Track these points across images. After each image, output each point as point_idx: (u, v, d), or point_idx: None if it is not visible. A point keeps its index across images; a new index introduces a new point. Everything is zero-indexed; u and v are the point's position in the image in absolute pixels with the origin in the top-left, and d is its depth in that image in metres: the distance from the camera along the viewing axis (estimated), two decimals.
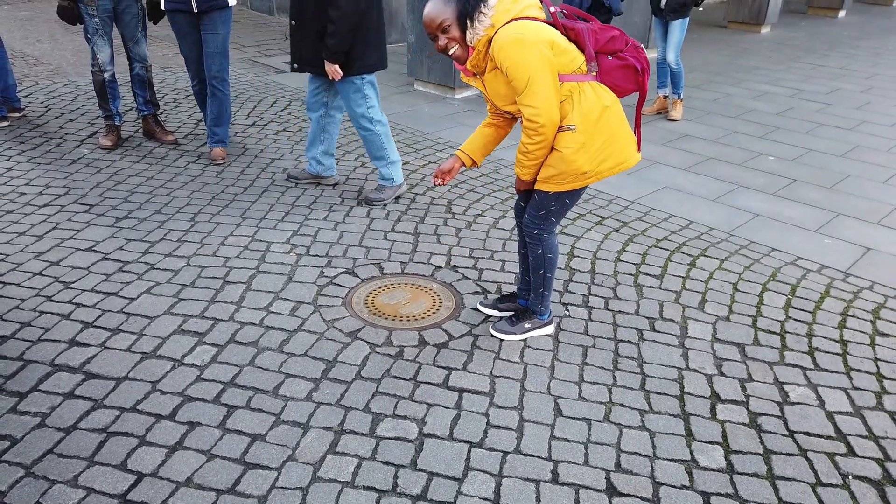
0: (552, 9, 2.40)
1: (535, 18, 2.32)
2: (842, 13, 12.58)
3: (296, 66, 3.85)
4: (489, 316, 2.97)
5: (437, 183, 2.71)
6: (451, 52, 2.38)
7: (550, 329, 2.85)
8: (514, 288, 3.16)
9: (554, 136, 2.38)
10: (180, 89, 6.12)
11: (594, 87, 2.38)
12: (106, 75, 4.56)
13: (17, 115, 5.18)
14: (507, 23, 2.27)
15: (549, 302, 2.83)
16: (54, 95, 5.76)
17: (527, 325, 2.81)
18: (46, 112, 5.35)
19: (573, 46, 2.37)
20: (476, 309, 3.01)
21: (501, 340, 2.80)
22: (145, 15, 4.56)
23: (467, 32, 2.32)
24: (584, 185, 2.51)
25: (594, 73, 2.39)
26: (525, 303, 2.91)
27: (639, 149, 2.56)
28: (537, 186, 2.54)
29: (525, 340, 2.80)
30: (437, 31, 2.35)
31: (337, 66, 3.65)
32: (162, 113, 5.34)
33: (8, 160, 4.42)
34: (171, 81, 6.37)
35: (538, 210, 2.59)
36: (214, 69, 4.41)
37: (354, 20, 3.56)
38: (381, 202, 4.00)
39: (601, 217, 3.94)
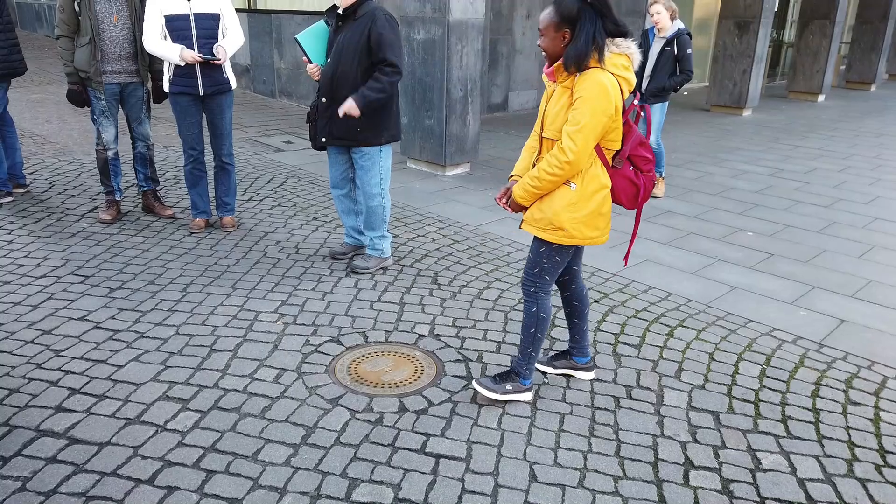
0: (635, 101, 2.63)
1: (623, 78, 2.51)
2: (821, 97, 13.13)
3: (323, 140, 4.00)
4: (545, 373, 3.10)
5: (501, 204, 2.81)
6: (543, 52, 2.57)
7: (528, 396, 2.91)
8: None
9: (564, 178, 2.55)
10: (181, 167, 6.35)
11: (604, 170, 2.60)
12: (109, 153, 4.78)
13: (21, 191, 5.37)
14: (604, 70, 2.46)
15: (534, 367, 2.91)
16: (59, 172, 5.98)
17: (509, 388, 2.88)
18: (50, 188, 5.55)
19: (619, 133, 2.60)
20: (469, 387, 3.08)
21: (477, 394, 2.86)
22: (150, 97, 4.83)
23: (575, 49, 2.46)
24: (564, 244, 2.66)
25: (614, 167, 2.62)
26: (581, 360, 3.05)
27: (628, 252, 2.91)
28: (523, 225, 2.73)
29: (504, 405, 2.86)
30: (553, 29, 2.49)
31: (354, 106, 3.76)
32: (161, 189, 5.55)
33: (9, 233, 4.57)
34: (173, 160, 6.62)
35: (532, 268, 2.76)
36: (226, 148, 4.69)
37: (396, 83, 3.87)
38: (367, 271, 4.15)
39: None
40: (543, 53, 2.58)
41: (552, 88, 2.64)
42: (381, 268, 4.21)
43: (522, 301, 2.86)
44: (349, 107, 3.76)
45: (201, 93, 4.40)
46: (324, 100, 3.92)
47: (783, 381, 3.15)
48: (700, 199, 6.08)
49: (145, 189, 5.02)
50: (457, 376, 3.08)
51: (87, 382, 2.92)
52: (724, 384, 3.11)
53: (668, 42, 5.67)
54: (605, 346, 3.39)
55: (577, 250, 2.85)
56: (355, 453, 2.54)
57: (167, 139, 7.41)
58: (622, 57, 2.50)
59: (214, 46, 4.30)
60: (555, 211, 2.60)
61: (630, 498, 2.38)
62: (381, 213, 4.14)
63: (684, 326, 3.64)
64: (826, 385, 3.13)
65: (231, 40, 4.42)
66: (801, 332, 3.63)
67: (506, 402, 2.88)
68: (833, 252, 4.86)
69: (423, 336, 3.44)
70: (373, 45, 3.76)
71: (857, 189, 6.61)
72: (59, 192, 5.45)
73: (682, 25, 5.71)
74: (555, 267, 2.76)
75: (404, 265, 4.31)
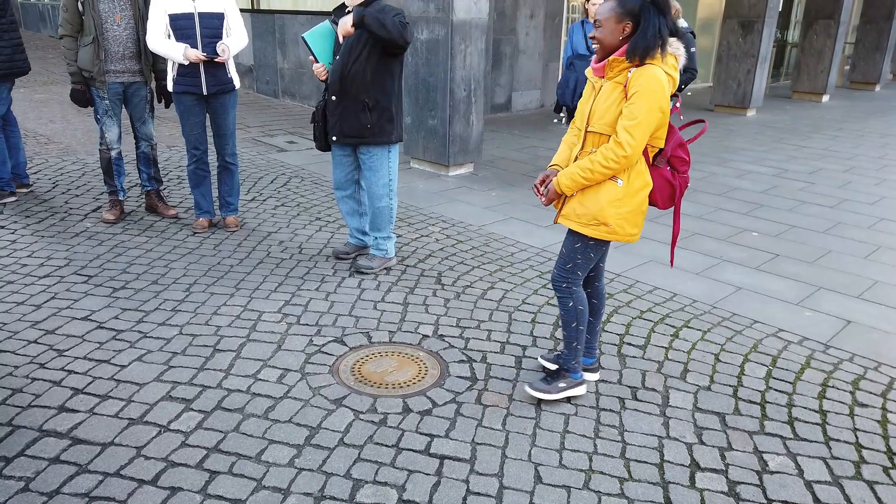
0: (678, 103, 2.62)
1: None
2: (826, 97, 13.09)
3: (333, 138, 3.98)
4: (548, 371, 3.07)
5: (538, 192, 2.79)
6: (595, 45, 2.56)
7: (583, 389, 2.93)
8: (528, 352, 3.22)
9: (616, 172, 2.56)
10: (184, 167, 6.34)
11: (647, 169, 2.63)
12: (113, 153, 4.78)
13: (24, 190, 5.37)
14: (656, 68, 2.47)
15: (581, 358, 2.93)
16: (62, 172, 5.98)
17: (562, 385, 2.89)
18: (53, 188, 5.55)
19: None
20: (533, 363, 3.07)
21: (540, 400, 2.87)
22: (153, 97, 4.82)
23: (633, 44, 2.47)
24: (606, 239, 2.68)
25: (655, 165, 2.63)
26: (586, 361, 3.03)
27: (673, 253, 3.01)
28: (561, 220, 2.73)
29: (507, 409, 2.84)
30: (615, 21, 2.48)
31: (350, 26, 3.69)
32: (165, 189, 5.54)
33: (13, 233, 4.57)
34: (177, 160, 6.62)
35: (565, 264, 2.78)
36: (229, 148, 4.68)
37: (398, 37, 3.67)
38: (371, 271, 4.13)
39: None
40: (595, 46, 2.57)
41: (599, 84, 2.62)
42: (385, 268, 4.20)
43: (556, 298, 2.87)
44: (345, 26, 3.69)
45: (205, 92, 4.39)
46: (333, 98, 3.90)
47: (789, 383, 3.13)
48: (704, 200, 6.06)
49: (149, 189, 5.02)
50: (461, 377, 3.07)
51: (91, 382, 2.91)
52: (730, 385, 3.09)
53: None
54: (609, 347, 3.37)
55: (606, 248, 2.86)
56: (359, 454, 2.53)
57: (170, 139, 7.41)
58: (671, 57, 2.52)
59: (217, 44, 4.29)
60: (600, 206, 2.60)
61: (636, 500, 2.36)
62: (387, 214, 4.13)
63: (689, 327, 3.62)
64: (833, 386, 3.11)
65: (235, 40, 4.41)
66: (807, 333, 3.60)
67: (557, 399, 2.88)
68: (838, 252, 4.83)
69: (427, 336, 3.42)
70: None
71: (863, 189, 6.58)
72: (62, 192, 5.44)
73: (685, 24, 5.69)
74: (588, 263, 2.78)
75: (408, 265, 4.30)
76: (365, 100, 3.84)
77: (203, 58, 4.24)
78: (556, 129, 9.05)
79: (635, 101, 2.45)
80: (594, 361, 3.08)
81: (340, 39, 3.85)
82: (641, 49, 2.44)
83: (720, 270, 4.43)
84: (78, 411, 2.71)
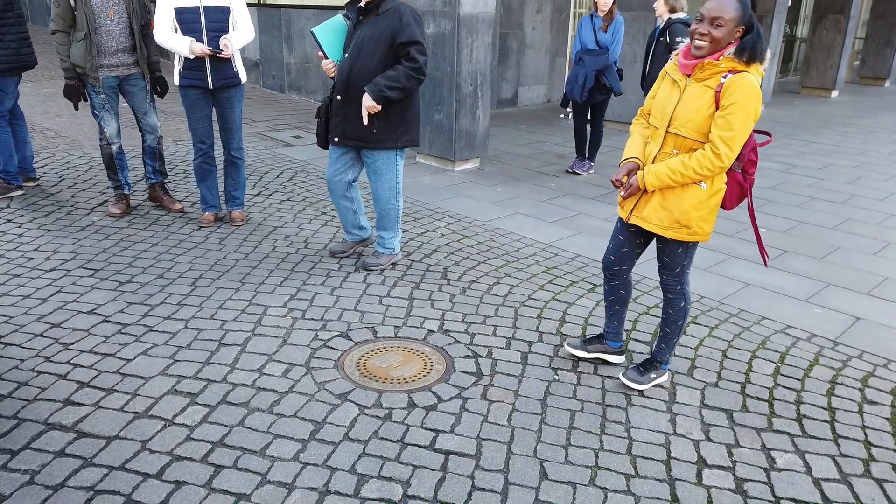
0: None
1: None
2: (835, 93, 12.98)
3: (336, 140, 3.87)
4: (578, 357, 3.17)
5: (619, 185, 2.77)
6: (702, 41, 2.48)
7: (667, 377, 3.05)
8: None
9: (707, 178, 2.58)
10: (190, 161, 6.34)
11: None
12: (114, 148, 4.75)
13: (31, 184, 5.38)
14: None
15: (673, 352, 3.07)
16: (69, 166, 5.99)
17: (653, 376, 2.98)
18: (60, 182, 5.55)
19: None
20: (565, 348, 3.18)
21: (631, 388, 2.95)
22: (152, 88, 4.79)
23: (734, 49, 2.47)
24: (685, 240, 2.72)
25: (732, 169, 2.64)
26: (615, 344, 3.13)
27: (762, 253, 2.89)
28: (637, 220, 2.75)
29: (513, 404, 2.83)
30: (717, 24, 2.44)
31: (373, 103, 3.64)
32: (170, 182, 5.54)
33: (19, 227, 4.58)
34: (183, 154, 6.62)
35: (674, 269, 2.84)
36: (235, 142, 4.65)
37: (416, 84, 3.68)
38: (379, 268, 4.10)
39: (594, 284, 4.01)
40: (702, 42, 2.49)
41: (684, 83, 2.59)
42: (392, 263, 4.19)
43: (666, 300, 2.91)
44: (368, 106, 3.64)
45: (210, 86, 4.38)
46: (339, 97, 3.78)
47: (798, 380, 3.10)
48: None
49: (154, 182, 5.02)
50: (466, 372, 3.05)
51: (96, 376, 2.91)
52: (737, 382, 3.06)
53: (661, 32, 5.68)
54: None
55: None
56: (364, 449, 2.52)
57: (177, 133, 7.41)
58: (759, 65, 2.52)
59: (220, 39, 4.28)
60: (683, 210, 2.63)
61: (642, 496, 2.34)
62: (394, 214, 4.07)
63: (697, 323, 3.59)
64: (842, 384, 3.08)
65: (240, 34, 4.40)
66: (816, 330, 3.57)
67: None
68: (848, 249, 4.79)
69: (433, 332, 3.41)
70: (397, 35, 3.61)
71: (872, 185, 6.52)
72: (68, 186, 5.45)
73: (684, 16, 5.65)
74: (691, 261, 2.84)
75: (414, 260, 4.29)
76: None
77: (208, 52, 4.22)
78: (563, 125, 9.01)
79: (734, 112, 2.44)
80: (621, 345, 3.17)
81: (365, 119, 3.71)
82: (750, 51, 2.45)
83: (728, 266, 4.40)
84: (83, 405, 2.71)
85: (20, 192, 5.22)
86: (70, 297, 3.61)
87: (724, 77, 2.46)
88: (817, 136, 8.98)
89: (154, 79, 4.74)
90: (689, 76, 2.57)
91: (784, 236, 5.01)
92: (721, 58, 2.49)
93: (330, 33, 3.87)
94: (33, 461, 2.39)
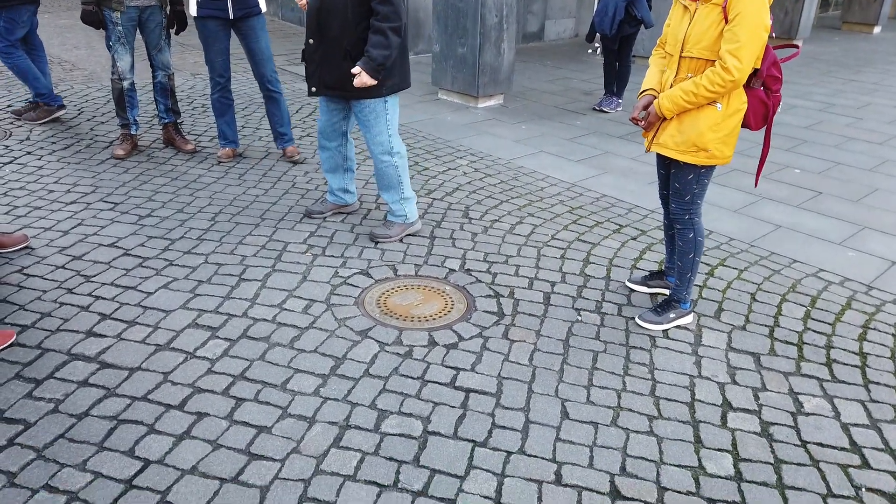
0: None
1: None
2: (877, 29, 12.37)
3: (314, 90, 3.43)
4: (634, 291, 3.18)
5: (637, 119, 2.74)
6: None
7: (691, 318, 2.96)
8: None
9: (721, 96, 2.52)
10: (208, 96, 6.23)
11: (743, 90, 2.58)
12: (125, 83, 4.59)
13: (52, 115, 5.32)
14: None
15: (692, 289, 2.97)
16: (88, 99, 5.92)
17: (672, 316, 2.93)
18: (79, 114, 5.50)
19: None
20: (625, 285, 3.22)
21: (648, 329, 2.91)
22: (169, 23, 4.63)
23: None
24: (703, 164, 2.66)
25: (752, 86, 2.58)
26: (674, 279, 3.02)
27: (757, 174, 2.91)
28: (656, 147, 2.72)
29: (535, 344, 2.79)
30: None
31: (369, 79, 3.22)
32: (189, 118, 5.45)
33: (39, 159, 4.55)
34: (201, 88, 6.51)
35: (684, 196, 2.78)
36: (268, 73, 4.49)
37: (402, 33, 3.23)
38: (388, 239, 3.60)
39: (620, 225, 3.91)
40: None
41: (694, 7, 2.55)
42: (409, 234, 3.68)
43: (676, 231, 2.86)
44: (364, 81, 3.20)
45: (231, 16, 4.23)
46: (311, 41, 3.32)
47: (829, 324, 3.02)
48: (744, 134, 5.78)
49: (166, 122, 4.86)
50: (487, 311, 3.01)
51: (118, 308, 2.92)
52: (766, 325, 2.99)
53: None
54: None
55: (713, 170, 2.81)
56: (384, 385, 2.51)
57: (195, 67, 7.28)
58: None
59: None
60: (699, 132, 2.58)
61: (665, 438, 2.31)
62: (393, 173, 3.55)
63: (725, 266, 3.50)
64: (874, 328, 2.99)
65: None
66: (849, 274, 3.46)
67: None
68: (885, 191, 4.61)
69: (454, 271, 3.36)
70: None
71: None
72: (87, 119, 5.39)
73: None
74: (703, 190, 2.78)
75: (435, 199, 4.20)
76: (346, 46, 3.25)
77: None
78: (591, 61, 8.71)
79: (739, 23, 2.40)
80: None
81: (356, 82, 3.21)
82: None
83: (759, 208, 4.26)
84: (106, 336, 2.72)
85: (63, 111, 5.25)
86: (91, 230, 3.60)
87: None
88: (857, 73, 8.59)
89: (174, 12, 4.57)
90: (697, 0, 2.54)
91: (819, 177, 4.83)
92: None
93: None
94: (57, 390, 2.41)
